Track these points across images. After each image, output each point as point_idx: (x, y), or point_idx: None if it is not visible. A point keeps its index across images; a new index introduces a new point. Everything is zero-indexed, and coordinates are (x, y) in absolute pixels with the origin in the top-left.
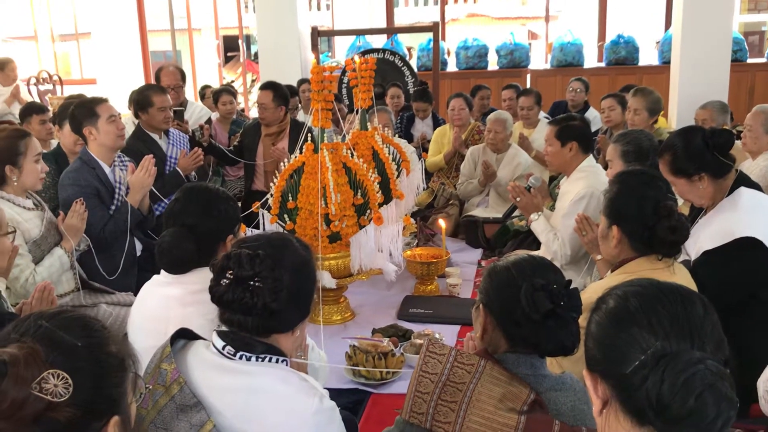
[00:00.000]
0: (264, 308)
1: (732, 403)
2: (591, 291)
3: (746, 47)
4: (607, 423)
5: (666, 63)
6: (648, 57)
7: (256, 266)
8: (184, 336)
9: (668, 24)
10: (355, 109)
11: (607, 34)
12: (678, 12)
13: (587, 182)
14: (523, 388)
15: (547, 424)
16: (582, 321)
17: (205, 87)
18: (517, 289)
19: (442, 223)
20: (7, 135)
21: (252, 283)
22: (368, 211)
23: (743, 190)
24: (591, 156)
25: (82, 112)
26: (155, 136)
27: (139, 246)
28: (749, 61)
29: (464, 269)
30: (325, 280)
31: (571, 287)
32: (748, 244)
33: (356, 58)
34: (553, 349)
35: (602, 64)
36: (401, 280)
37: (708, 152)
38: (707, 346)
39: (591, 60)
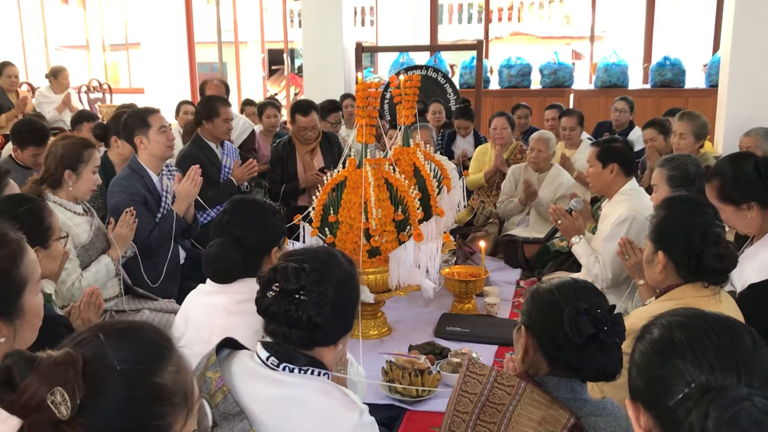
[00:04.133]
0: (308, 321)
1: None
2: (635, 317)
3: None
4: None
5: (713, 86)
6: (694, 80)
7: (302, 280)
8: (229, 345)
9: (716, 47)
10: (398, 126)
11: (653, 56)
12: (727, 34)
13: (629, 205)
14: (563, 412)
15: None
16: (625, 347)
17: (246, 103)
18: (560, 313)
19: (482, 243)
20: (74, 142)
21: (297, 296)
22: (408, 227)
23: None
24: (633, 179)
25: (134, 121)
26: (213, 145)
27: (182, 254)
28: None
29: (502, 289)
30: (364, 294)
31: (614, 312)
32: None
33: (401, 76)
34: (595, 374)
35: (647, 86)
36: (439, 298)
37: (759, 181)
38: (755, 381)
39: (636, 82)
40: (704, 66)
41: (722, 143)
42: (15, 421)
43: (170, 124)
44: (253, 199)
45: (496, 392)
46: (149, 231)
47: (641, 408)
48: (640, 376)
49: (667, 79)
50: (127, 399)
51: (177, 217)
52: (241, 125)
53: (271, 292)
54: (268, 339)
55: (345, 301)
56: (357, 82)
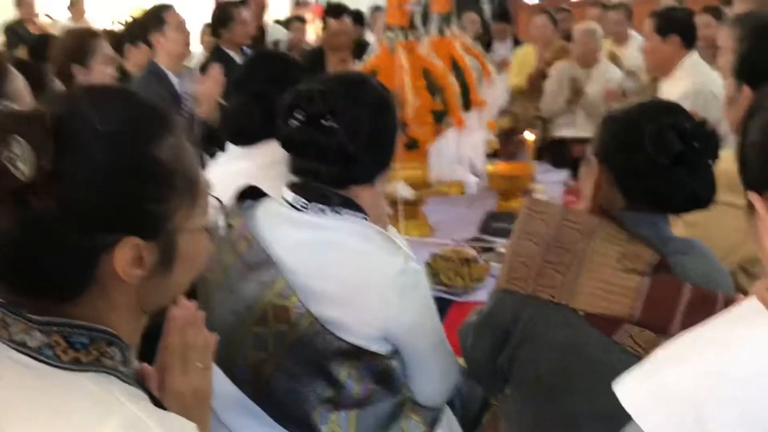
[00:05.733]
0: (340, 152)
1: None
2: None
3: None
4: None
5: None
6: None
7: (330, 102)
8: (253, 196)
9: None
10: (431, 15)
11: None
12: None
13: (692, 79)
14: (645, 249)
15: (675, 287)
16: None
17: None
18: (641, 132)
19: (528, 135)
20: (77, 32)
21: (325, 121)
22: (448, 117)
23: None
24: (696, 52)
25: (150, 18)
26: (234, 54)
27: (209, 161)
28: None
29: (550, 188)
30: (402, 189)
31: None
32: None
33: None
34: (685, 201)
35: None
36: (483, 198)
37: None
38: None
39: None
40: None
41: None
42: None
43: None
44: (276, 52)
45: (565, 231)
46: None
47: None
48: (764, 155)
49: None
50: (113, 168)
51: (200, 122)
52: (282, 34)
53: (294, 120)
54: (295, 180)
55: (381, 129)
56: None
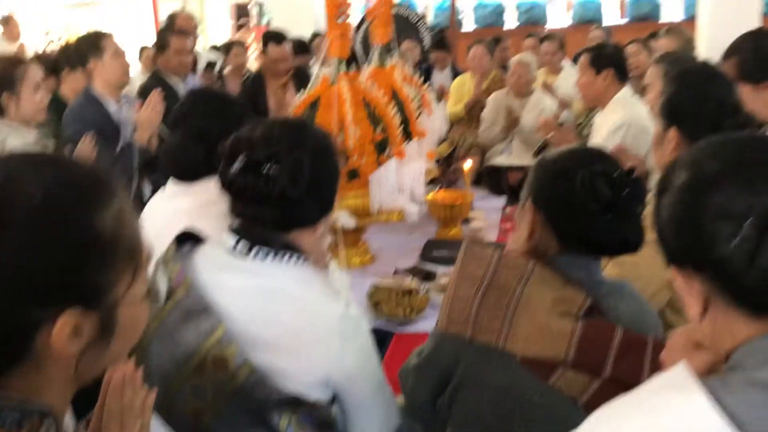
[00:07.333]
0: (282, 196)
1: None
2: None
3: None
4: (714, 326)
5: (691, 18)
6: (671, 12)
7: (272, 147)
8: (192, 239)
9: None
10: (372, 47)
11: None
12: None
13: (624, 112)
14: (578, 292)
15: (608, 331)
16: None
17: (212, 49)
18: (573, 178)
19: (467, 163)
20: (2, 61)
21: (268, 165)
22: (388, 147)
23: None
24: (628, 86)
25: (86, 45)
26: (174, 81)
27: (148, 188)
28: None
29: (488, 215)
30: (344, 219)
31: (634, 175)
32: None
33: None
34: (616, 245)
35: (624, 21)
36: (423, 225)
37: None
38: None
39: (612, 17)
40: None
41: None
42: None
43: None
44: (214, 89)
45: (501, 274)
46: (109, 164)
47: (691, 273)
48: (677, 232)
49: (644, 12)
50: (50, 242)
51: (139, 149)
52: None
53: (236, 164)
54: (236, 224)
55: (322, 173)
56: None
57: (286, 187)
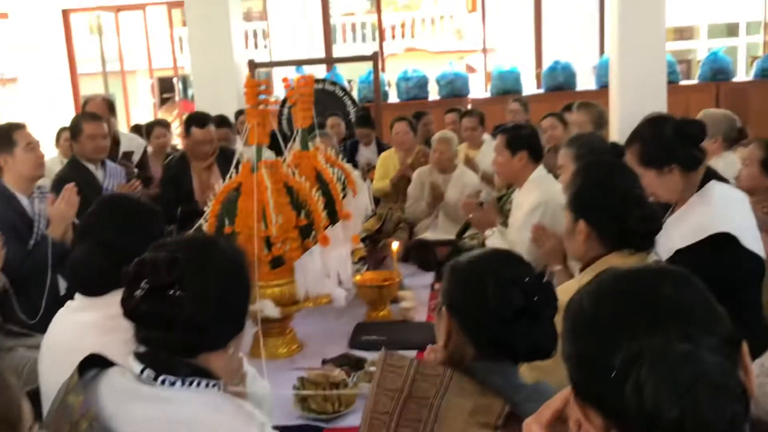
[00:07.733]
0: (188, 322)
1: (731, 392)
2: (561, 293)
3: (678, 70)
4: None
5: (603, 87)
6: (585, 82)
7: (176, 271)
8: (97, 364)
9: (602, 49)
10: (295, 130)
11: (544, 62)
12: (613, 37)
13: (540, 191)
14: (496, 400)
15: None
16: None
17: (134, 129)
18: (484, 285)
19: (393, 244)
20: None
21: (172, 291)
22: (313, 233)
23: (714, 184)
24: (542, 166)
25: None
26: (91, 167)
27: (63, 284)
28: (682, 83)
29: (417, 293)
30: (268, 309)
31: (544, 280)
32: (722, 240)
33: (294, 77)
34: (528, 352)
35: (541, 91)
36: (352, 308)
37: (678, 143)
38: (690, 328)
39: (530, 87)
40: (594, 68)
41: (618, 139)
42: None
43: (38, 142)
44: (126, 196)
45: (419, 385)
46: (22, 260)
47: (587, 406)
48: (574, 366)
49: (559, 82)
50: None
51: (53, 243)
52: (136, 145)
53: (139, 290)
54: (141, 349)
55: (231, 294)
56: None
57: (192, 313)
